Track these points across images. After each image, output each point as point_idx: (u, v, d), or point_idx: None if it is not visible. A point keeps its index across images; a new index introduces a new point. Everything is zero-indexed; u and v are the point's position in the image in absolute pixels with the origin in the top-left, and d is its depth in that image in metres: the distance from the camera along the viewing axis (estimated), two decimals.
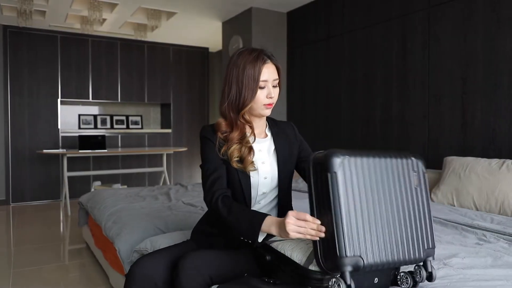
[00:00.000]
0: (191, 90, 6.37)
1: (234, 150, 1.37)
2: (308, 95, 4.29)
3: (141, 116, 6.13)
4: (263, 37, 4.45)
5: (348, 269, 1.00)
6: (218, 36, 5.41)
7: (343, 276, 1.00)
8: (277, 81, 1.41)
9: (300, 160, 1.55)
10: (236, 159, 1.37)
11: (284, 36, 4.60)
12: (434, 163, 2.98)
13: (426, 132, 3.05)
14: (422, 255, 1.11)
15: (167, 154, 5.88)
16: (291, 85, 4.53)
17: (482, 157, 2.62)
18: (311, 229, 1.06)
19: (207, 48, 6.47)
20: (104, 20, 4.92)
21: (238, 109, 1.38)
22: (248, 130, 1.42)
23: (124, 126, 5.95)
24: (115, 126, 5.87)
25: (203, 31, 5.51)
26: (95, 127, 5.72)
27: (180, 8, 4.49)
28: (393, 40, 3.30)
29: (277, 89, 1.42)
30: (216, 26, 5.19)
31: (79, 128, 5.61)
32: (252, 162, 1.38)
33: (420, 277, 1.14)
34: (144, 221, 2.14)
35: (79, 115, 5.66)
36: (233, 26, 4.76)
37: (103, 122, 5.82)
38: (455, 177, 2.46)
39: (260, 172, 1.42)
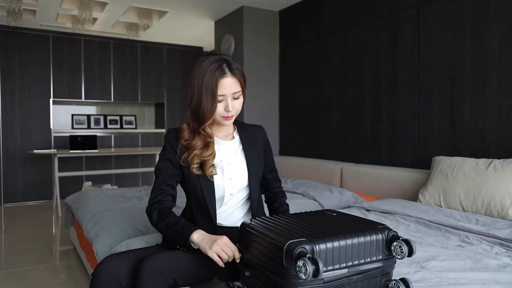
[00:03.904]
0: (185, 90, 6.33)
1: (195, 156, 1.37)
2: (300, 94, 4.25)
3: (135, 116, 6.10)
4: (255, 36, 4.40)
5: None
6: (212, 35, 5.37)
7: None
8: (239, 93, 1.37)
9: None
10: (196, 165, 1.37)
11: (276, 34, 4.55)
12: (424, 162, 2.94)
13: (415, 131, 3.01)
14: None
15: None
16: (284, 84, 4.50)
17: (471, 156, 2.58)
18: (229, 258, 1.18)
19: (201, 48, 6.43)
20: (95, 19, 4.89)
21: (199, 121, 1.37)
22: (209, 138, 1.41)
23: (118, 126, 5.92)
24: (108, 126, 5.83)
25: (196, 30, 5.47)
26: (89, 127, 5.69)
27: (171, 7, 4.45)
28: (383, 38, 3.26)
29: (239, 100, 1.38)
30: (209, 25, 5.15)
31: (72, 128, 5.57)
32: (213, 165, 1.39)
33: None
34: (124, 222, 2.10)
35: (72, 115, 5.63)
36: (225, 25, 4.72)
37: (97, 122, 5.78)
38: (442, 178, 2.42)
39: (225, 173, 1.41)
